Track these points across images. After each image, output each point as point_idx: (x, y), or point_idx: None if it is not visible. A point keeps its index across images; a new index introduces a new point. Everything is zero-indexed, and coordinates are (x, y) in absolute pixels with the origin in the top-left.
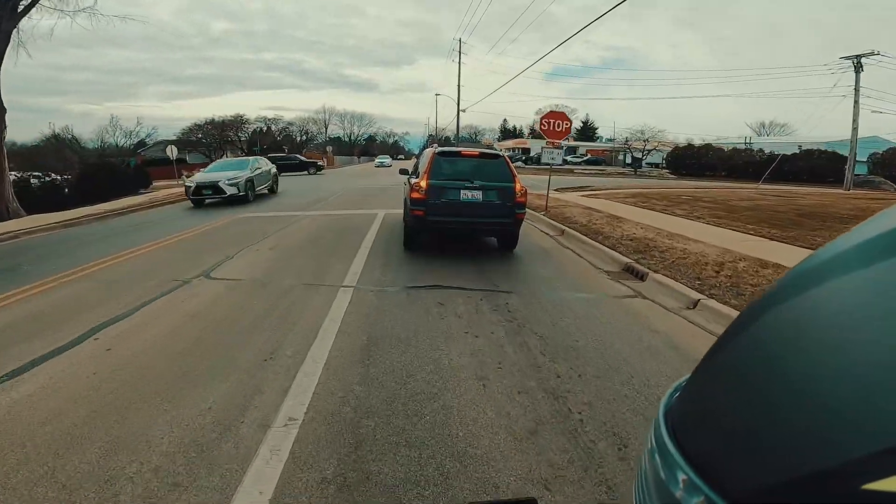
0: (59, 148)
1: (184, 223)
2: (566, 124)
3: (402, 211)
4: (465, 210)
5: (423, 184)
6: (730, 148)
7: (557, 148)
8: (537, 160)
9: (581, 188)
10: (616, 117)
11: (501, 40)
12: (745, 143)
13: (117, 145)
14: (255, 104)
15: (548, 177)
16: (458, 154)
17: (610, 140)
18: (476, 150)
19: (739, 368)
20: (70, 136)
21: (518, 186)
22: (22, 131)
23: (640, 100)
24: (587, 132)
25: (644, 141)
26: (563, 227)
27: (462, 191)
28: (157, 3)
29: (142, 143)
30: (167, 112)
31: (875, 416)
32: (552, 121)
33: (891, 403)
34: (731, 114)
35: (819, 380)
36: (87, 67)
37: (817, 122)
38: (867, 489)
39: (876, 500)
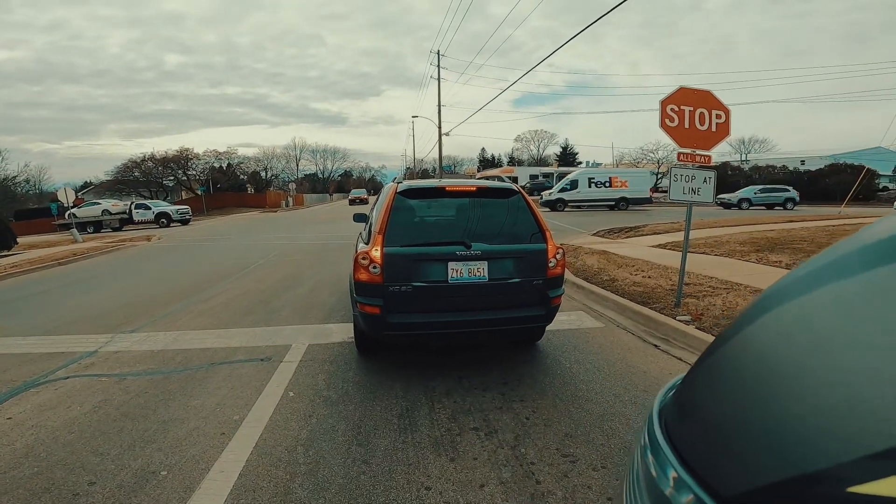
0: None
1: None
2: (720, 117)
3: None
4: (457, 300)
5: (376, 254)
6: (748, 166)
7: (704, 166)
8: (534, 191)
9: (637, 229)
10: (588, 140)
11: (469, 68)
12: (740, 161)
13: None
14: (222, 140)
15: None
16: (437, 192)
17: (597, 164)
18: (470, 184)
19: (733, 369)
20: None
21: (551, 247)
22: None
23: (621, 117)
24: (568, 157)
25: (657, 162)
26: None
27: (451, 264)
28: (104, 36)
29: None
30: (129, 150)
31: (863, 420)
32: (687, 109)
33: (879, 407)
34: None
35: (810, 382)
36: (43, 104)
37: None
38: (852, 492)
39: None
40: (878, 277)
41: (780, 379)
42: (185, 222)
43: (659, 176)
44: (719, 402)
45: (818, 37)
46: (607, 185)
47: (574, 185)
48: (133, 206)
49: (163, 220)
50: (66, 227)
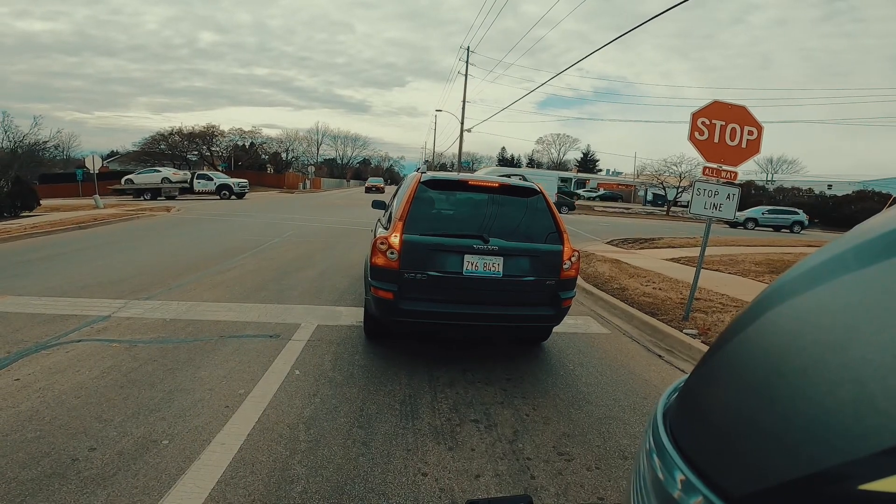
0: None
1: None
2: (752, 133)
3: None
4: (470, 293)
5: (395, 240)
6: (773, 186)
7: (729, 183)
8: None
9: (652, 241)
10: (611, 148)
11: (497, 67)
12: (765, 181)
13: (14, 151)
14: (246, 120)
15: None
16: (459, 185)
17: (617, 173)
18: (493, 180)
19: (738, 369)
20: None
21: (567, 249)
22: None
23: (645, 127)
24: (588, 164)
25: (679, 176)
26: None
27: (467, 257)
28: (143, 13)
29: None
30: (156, 124)
31: (872, 417)
32: (718, 123)
33: (888, 404)
34: None
35: (817, 380)
36: (78, 75)
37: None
38: (864, 490)
39: (873, 501)
40: (881, 272)
41: (785, 377)
42: (241, 196)
43: (680, 189)
44: (725, 402)
45: (863, 58)
46: None
47: None
48: (195, 177)
49: (224, 192)
50: (122, 192)
